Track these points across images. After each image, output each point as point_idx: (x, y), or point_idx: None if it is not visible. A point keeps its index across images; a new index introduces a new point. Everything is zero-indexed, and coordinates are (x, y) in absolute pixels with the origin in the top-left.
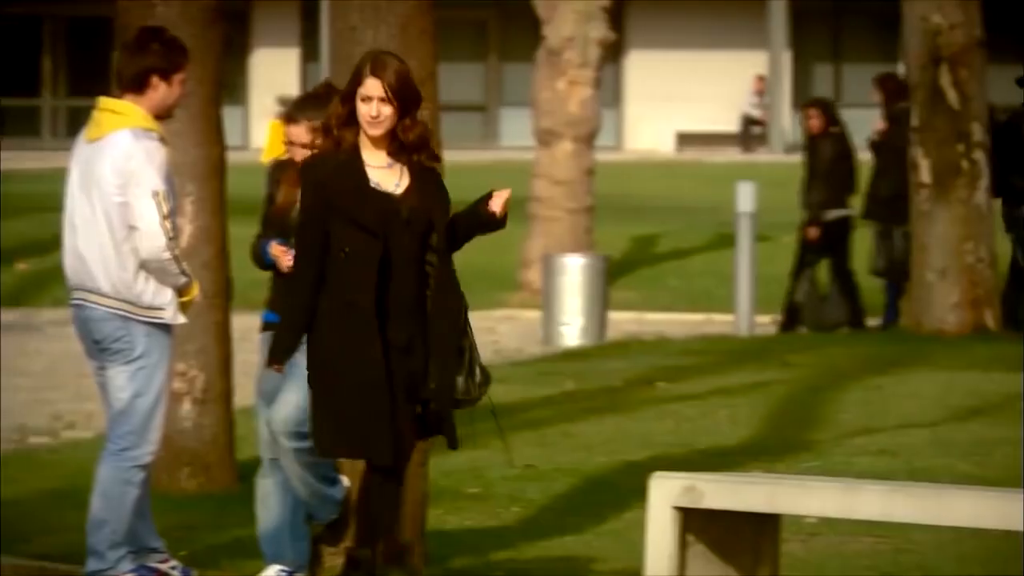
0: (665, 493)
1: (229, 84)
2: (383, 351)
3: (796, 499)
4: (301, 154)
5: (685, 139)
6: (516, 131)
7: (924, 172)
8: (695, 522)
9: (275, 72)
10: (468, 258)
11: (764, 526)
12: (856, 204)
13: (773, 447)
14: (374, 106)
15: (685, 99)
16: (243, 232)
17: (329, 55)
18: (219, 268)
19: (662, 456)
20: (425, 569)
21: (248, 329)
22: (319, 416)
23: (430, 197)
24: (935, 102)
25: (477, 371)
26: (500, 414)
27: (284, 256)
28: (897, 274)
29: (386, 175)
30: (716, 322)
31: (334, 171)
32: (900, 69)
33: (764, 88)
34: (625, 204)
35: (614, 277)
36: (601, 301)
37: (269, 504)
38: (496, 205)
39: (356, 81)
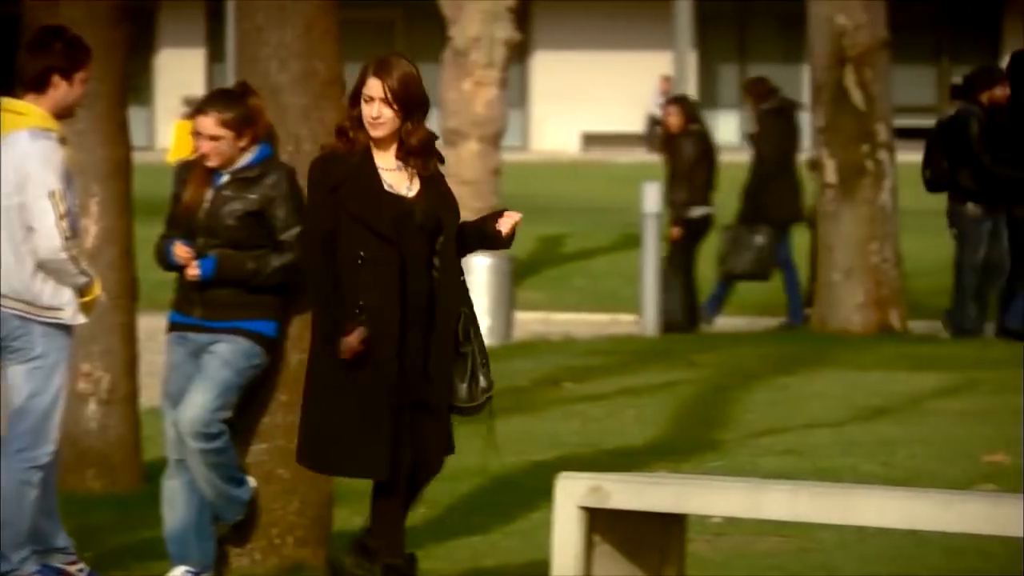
0: (571, 493)
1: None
2: (399, 358)
3: (702, 499)
4: (209, 146)
5: (591, 139)
6: None
7: (829, 172)
8: (601, 522)
9: (181, 72)
10: None
11: (670, 526)
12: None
13: (679, 447)
14: (375, 107)
15: (591, 99)
16: (149, 233)
17: (235, 56)
18: (124, 269)
19: (569, 456)
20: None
21: (154, 330)
22: (322, 430)
23: (439, 201)
24: (840, 102)
25: (481, 378)
26: None
27: (187, 257)
28: (761, 275)
29: (397, 177)
30: (622, 322)
31: (347, 172)
32: (805, 70)
33: (670, 88)
34: (531, 204)
35: (520, 277)
36: (507, 301)
37: (175, 505)
38: (504, 226)
39: (360, 81)
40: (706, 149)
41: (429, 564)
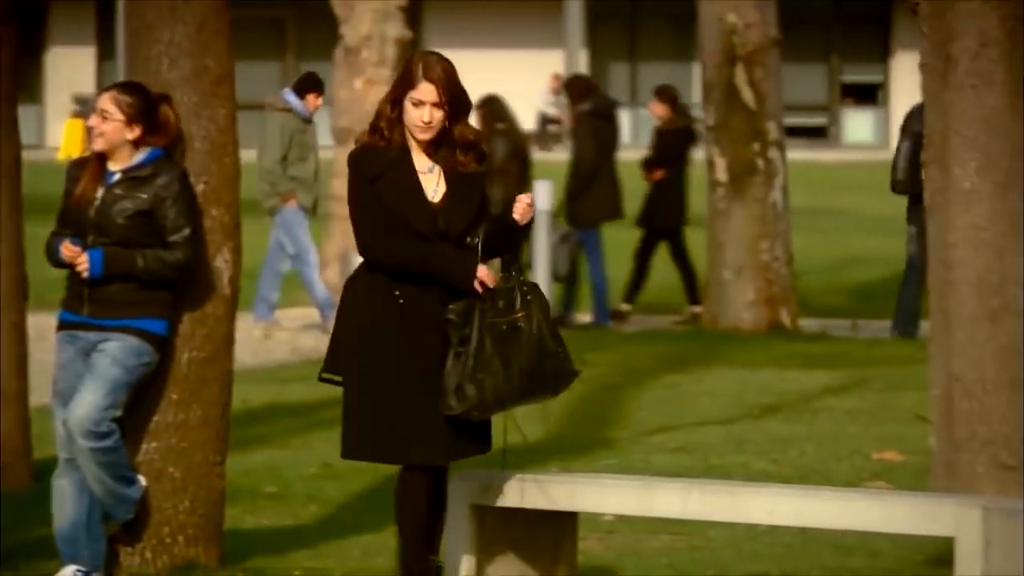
0: (464, 491)
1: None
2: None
3: (594, 497)
4: (96, 120)
5: None
6: None
7: (720, 170)
8: (494, 520)
9: (71, 71)
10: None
11: (562, 524)
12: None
13: (571, 445)
14: (427, 111)
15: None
16: (39, 231)
17: (125, 54)
18: (14, 267)
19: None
20: (222, 569)
21: (44, 328)
22: (369, 421)
23: (466, 205)
24: (731, 101)
25: (466, 387)
26: (298, 413)
27: (73, 256)
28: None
29: (427, 180)
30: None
31: (385, 167)
32: (696, 68)
33: (560, 87)
34: None
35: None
36: None
37: (65, 504)
38: (518, 213)
39: (408, 84)
40: (516, 148)
41: (320, 562)
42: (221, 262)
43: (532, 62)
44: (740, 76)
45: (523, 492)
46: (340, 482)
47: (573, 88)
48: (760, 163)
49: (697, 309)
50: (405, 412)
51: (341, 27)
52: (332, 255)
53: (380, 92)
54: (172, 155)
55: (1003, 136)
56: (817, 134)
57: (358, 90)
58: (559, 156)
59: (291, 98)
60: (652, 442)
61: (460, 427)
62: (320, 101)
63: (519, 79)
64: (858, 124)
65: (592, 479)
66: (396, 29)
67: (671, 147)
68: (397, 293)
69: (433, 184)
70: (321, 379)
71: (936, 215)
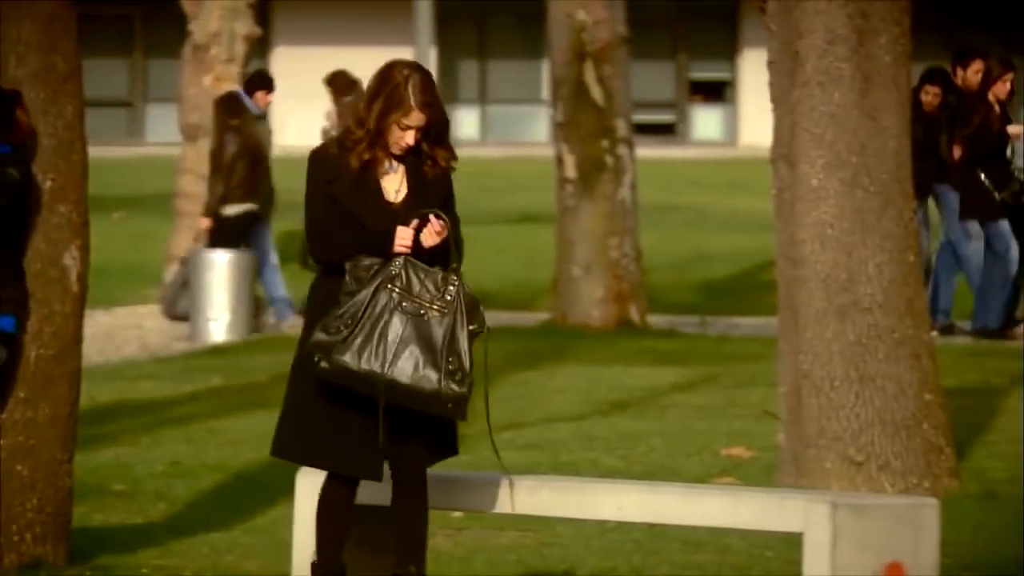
0: (313, 489)
1: None
2: None
3: (443, 494)
4: None
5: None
6: (162, 127)
7: (569, 168)
8: None
9: None
10: (113, 254)
11: None
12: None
13: None
14: (411, 135)
15: None
16: None
17: None
18: None
19: None
20: (70, 567)
21: None
22: (307, 423)
23: (428, 206)
24: (580, 98)
25: (316, 329)
26: (147, 410)
27: None
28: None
29: (389, 181)
30: None
31: (342, 168)
32: (545, 66)
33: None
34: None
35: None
36: (248, 297)
37: None
38: (424, 237)
39: (399, 108)
40: (249, 146)
41: (169, 560)
42: (69, 259)
43: (381, 59)
44: (589, 73)
45: (372, 489)
46: (189, 480)
47: (336, 83)
48: (609, 160)
49: None
50: (345, 419)
51: (190, 24)
52: (180, 252)
53: (228, 89)
54: (22, 153)
55: (850, 133)
56: (665, 131)
57: (207, 87)
58: None
59: (242, 97)
60: (502, 439)
61: (409, 439)
62: (270, 98)
63: (368, 77)
64: (706, 121)
65: (441, 476)
66: (245, 26)
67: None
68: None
69: (396, 184)
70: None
71: (784, 212)
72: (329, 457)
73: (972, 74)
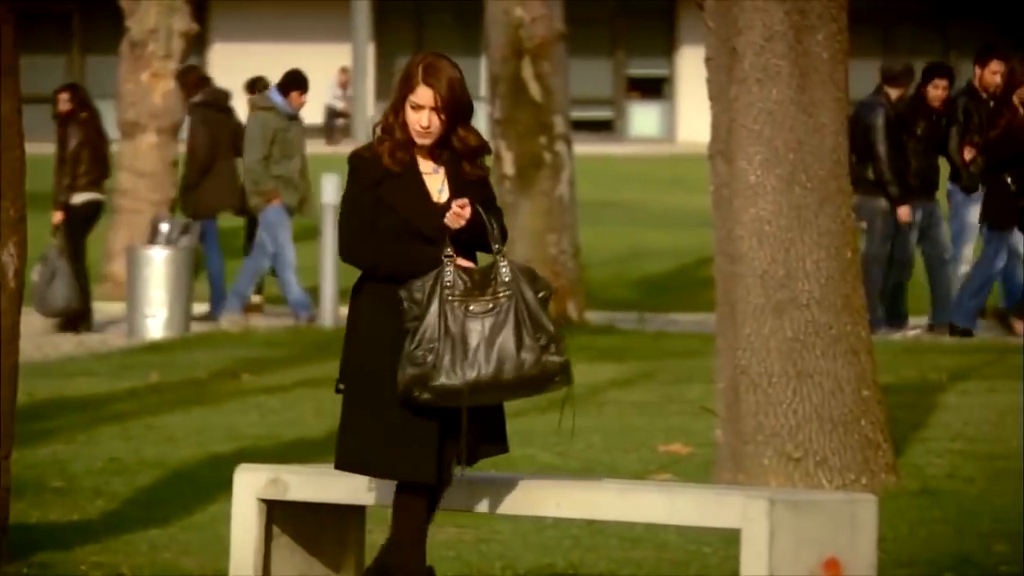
0: (250, 485)
1: None
2: None
3: (380, 491)
4: None
5: None
6: None
7: (507, 164)
8: (280, 514)
9: None
10: None
11: (349, 517)
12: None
13: None
14: (425, 116)
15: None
16: None
17: None
18: None
19: (248, 448)
20: (7, 564)
21: None
22: (364, 430)
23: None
24: (518, 95)
25: (404, 362)
26: (85, 407)
27: None
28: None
29: (432, 181)
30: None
31: (389, 171)
32: (483, 62)
33: (348, 80)
34: None
35: (199, 269)
36: (185, 293)
37: None
38: (448, 219)
39: (407, 87)
40: (92, 136)
41: (107, 557)
42: (6, 256)
43: (319, 56)
44: (527, 70)
45: (310, 486)
46: (126, 476)
47: (185, 80)
48: (547, 157)
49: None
50: (400, 424)
51: (127, 20)
52: (118, 248)
53: (166, 86)
54: None
55: (788, 130)
56: (603, 128)
57: (144, 83)
58: (347, 150)
59: (275, 96)
60: None
61: (454, 441)
62: (304, 99)
63: (307, 73)
64: (644, 118)
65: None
66: (182, 23)
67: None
68: (403, 301)
69: (438, 185)
70: (337, 391)
71: (722, 208)
72: (388, 463)
73: (989, 74)
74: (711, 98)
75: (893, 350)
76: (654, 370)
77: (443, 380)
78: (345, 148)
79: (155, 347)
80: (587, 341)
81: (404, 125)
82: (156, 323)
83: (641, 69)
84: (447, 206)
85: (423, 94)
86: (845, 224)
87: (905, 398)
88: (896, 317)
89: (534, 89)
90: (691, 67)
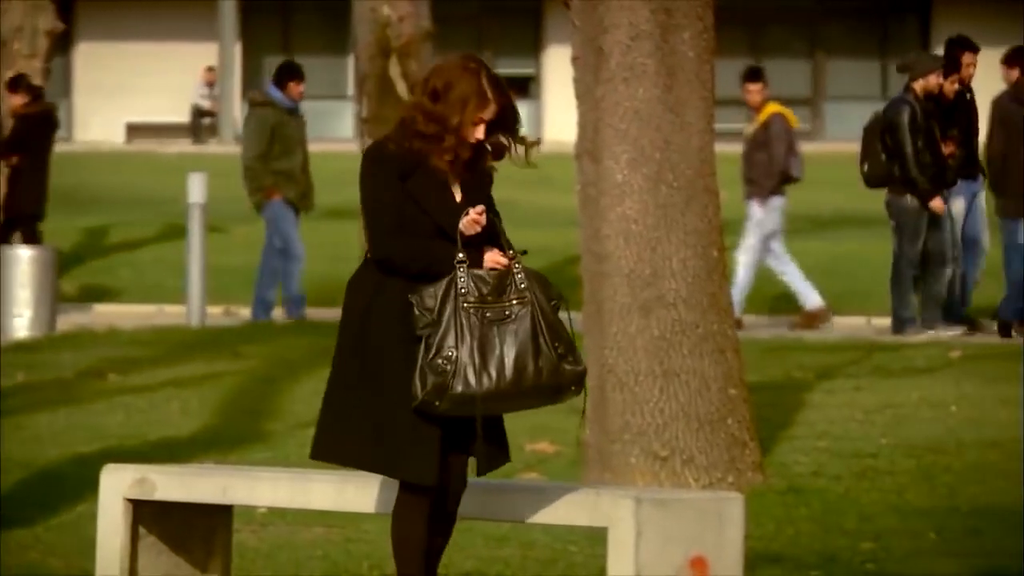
0: (116, 485)
1: None
2: None
3: (248, 490)
4: None
5: (135, 130)
6: None
7: None
8: (147, 514)
9: None
10: None
11: (216, 517)
12: None
13: (226, 438)
14: (482, 130)
15: (135, 90)
16: None
17: None
18: None
19: (114, 448)
20: None
21: None
22: (360, 424)
23: (481, 204)
24: (385, 93)
25: (421, 372)
26: None
27: None
28: None
29: (451, 179)
30: (168, 313)
31: (414, 167)
32: (351, 61)
33: (214, 79)
34: (75, 196)
35: (65, 268)
36: (50, 292)
37: None
38: (463, 225)
39: (482, 104)
40: None
41: None
42: None
43: (186, 55)
44: (394, 69)
45: (176, 485)
46: None
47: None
48: None
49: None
50: (403, 422)
51: None
52: None
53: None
54: None
55: (654, 129)
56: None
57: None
58: (213, 149)
59: (273, 92)
60: (307, 434)
61: (461, 444)
62: (302, 87)
63: (173, 72)
64: None
65: (246, 471)
66: (47, 21)
67: (30, 132)
68: (411, 298)
69: (453, 184)
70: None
71: (588, 208)
72: (389, 461)
73: (964, 68)
74: (577, 97)
75: (759, 348)
76: None
77: (460, 389)
78: (212, 148)
79: (20, 347)
80: None
81: (459, 131)
82: (21, 323)
83: (508, 68)
84: (463, 205)
85: (491, 112)
86: (712, 223)
87: (771, 397)
88: (952, 314)
89: (401, 88)
90: (557, 66)
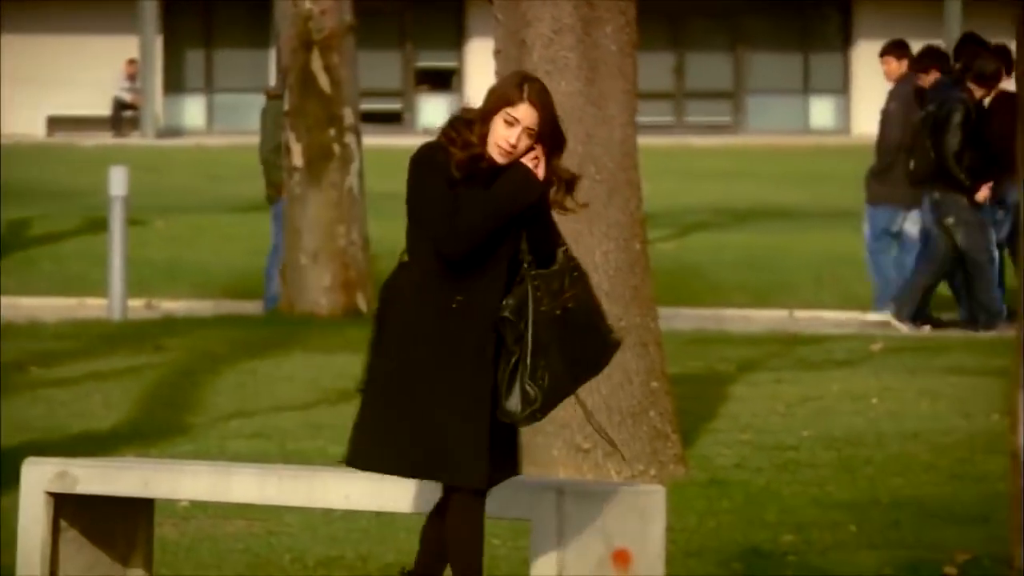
0: (38, 478)
1: None
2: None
3: (169, 483)
4: None
5: (56, 123)
6: None
7: (296, 156)
8: (69, 508)
9: None
10: None
11: (138, 511)
12: None
13: (147, 431)
14: (515, 134)
15: (57, 83)
16: None
17: None
18: None
19: (35, 441)
20: None
21: None
22: (395, 429)
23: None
24: (307, 87)
25: (523, 389)
26: None
27: None
28: None
29: None
30: (89, 306)
31: (464, 175)
32: (273, 54)
33: (136, 72)
34: None
35: None
36: None
37: None
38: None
39: (506, 100)
40: None
41: None
42: None
43: (107, 48)
44: (316, 62)
45: (98, 479)
46: None
47: None
48: (336, 149)
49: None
50: (448, 426)
51: None
52: None
53: None
54: None
55: (576, 122)
56: (393, 120)
57: None
58: (134, 142)
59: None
60: (229, 428)
61: (496, 447)
62: None
63: (95, 65)
64: (433, 110)
65: (167, 465)
66: None
67: None
68: (456, 302)
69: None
70: (361, 391)
71: None
72: (436, 466)
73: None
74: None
75: (681, 341)
76: None
77: (554, 397)
78: (133, 140)
79: None
80: None
81: (484, 137)
82: None
83: (430, 61)
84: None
85: (525, 112)
86: (634, 216)
87: (694, 389)
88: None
89: (323, 81)
90: (480, 59)
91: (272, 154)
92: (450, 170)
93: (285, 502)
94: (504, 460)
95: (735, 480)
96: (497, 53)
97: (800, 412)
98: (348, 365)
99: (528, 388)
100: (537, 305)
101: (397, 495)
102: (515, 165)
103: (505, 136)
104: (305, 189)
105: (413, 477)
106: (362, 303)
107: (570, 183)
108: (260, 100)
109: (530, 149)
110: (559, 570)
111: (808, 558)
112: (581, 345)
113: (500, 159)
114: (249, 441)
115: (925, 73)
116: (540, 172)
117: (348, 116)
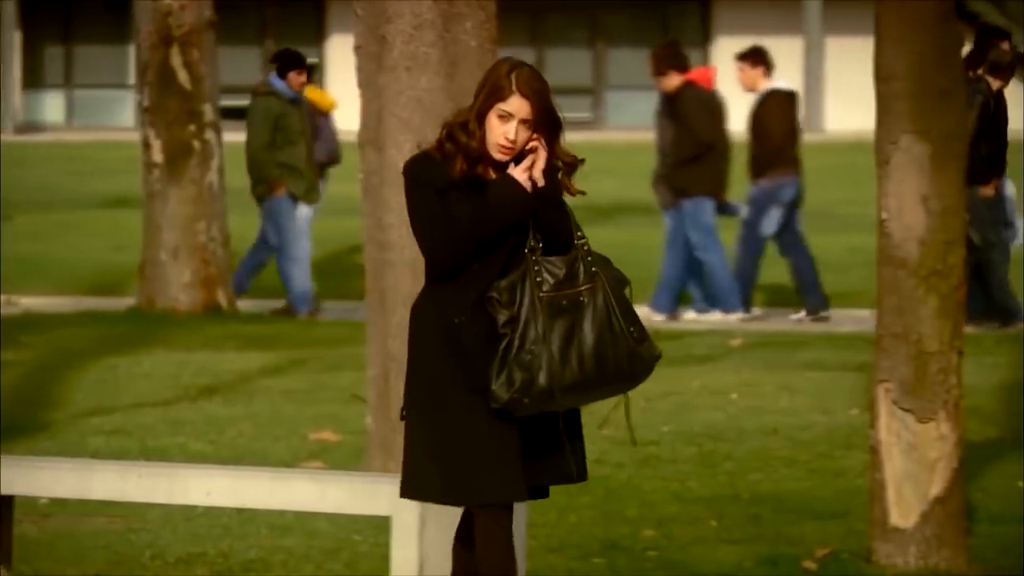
0: None
1: None
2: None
3: (29, 480)
4: None
5: None
6: None
7: (155, 152)
8: None
9: None
10: None
11: None
12: None
13: (6, 428)
14: (512, 128)
15: None
16: None
17: None
18: None
19: None
20: None
21: None
22: (437, 458)
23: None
24: (166, 82)
25: (509, 373)
26: None
27: None
28: None
29: None
30: None
31: (454, 181)
32: (132, 50)
33: None
34: None
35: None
36: None
37: None
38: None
39: (497, 95)
40: None
41: None
42: None
43: None
44: (175, 58)
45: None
46: None
47: None
48: (196, 145)
49: None
50: (473, 446)
51: None
52: None
53: None
54: None
55: (437, 117)
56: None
57: None
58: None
59: (276, 82)
60: (89, 424)
61: (537, 454)
62: (303, 77)
63: None
64: None
65: (27, 462)
66: None
67: None
68: (456, 321)
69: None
70: (403, 419)
71: (372, 196)
72: (470, 488)
73: None
74: (360, 86)
75: None
76: (304, 358)
77: (544, 382)
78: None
79: None
80: (237, 329)
81: (483, 137)
82: None
83: None
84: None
85: (516, 104)
86: None
87: None
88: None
89: (183, 77)
90: (340, 55)
91: (261, 151)
92: (441, 179)
93: (146, 499)
94: (549, 464)
95: (595, 475)
96: (358, 49)
97: (660, 407)
98: (208, 361)
99: (513, 370)
100: (535, 288)
101: (259, 491)
102: (504, 179)
103: (502, 132)
104: (165, 185)
105: (455, 505)
106: (222, 299)
107: (573, 166)
108: (121, 96)
109: (529, 140)
110: (420, 567)
111: (668, 553)
112: (603, 348)
113: (501, 157)
114: (109, 438)
115: None
116: (539, 167)
117: (208, 112)
